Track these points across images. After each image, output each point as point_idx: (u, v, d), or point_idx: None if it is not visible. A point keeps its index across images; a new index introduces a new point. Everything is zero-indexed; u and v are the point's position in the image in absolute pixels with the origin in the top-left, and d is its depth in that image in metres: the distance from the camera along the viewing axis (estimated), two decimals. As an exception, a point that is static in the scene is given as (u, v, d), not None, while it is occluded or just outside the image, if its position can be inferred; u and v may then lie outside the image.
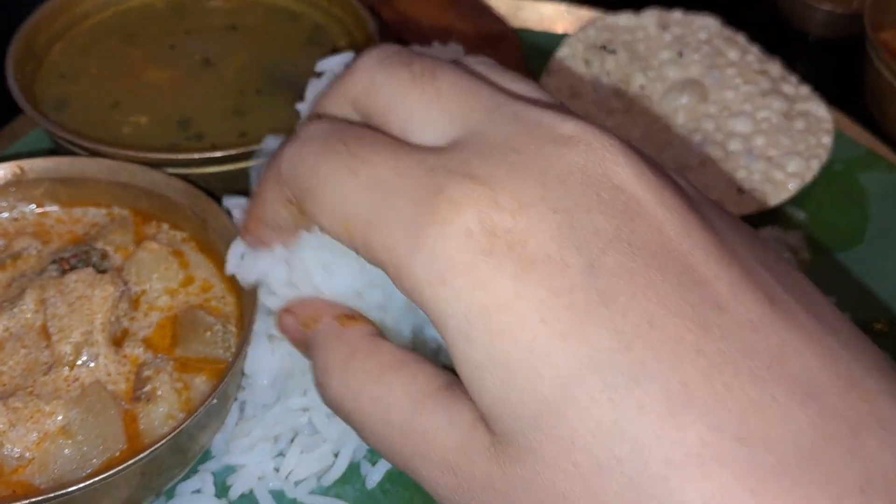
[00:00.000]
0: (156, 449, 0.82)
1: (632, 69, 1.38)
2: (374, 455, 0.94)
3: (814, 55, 1.60)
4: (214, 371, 0.94)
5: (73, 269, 0.98)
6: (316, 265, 0.79)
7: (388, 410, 0.61)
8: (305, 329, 0.78)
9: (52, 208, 1.08)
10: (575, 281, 0.50)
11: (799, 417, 0.46)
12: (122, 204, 1.08)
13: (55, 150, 1.15)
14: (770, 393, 0.46)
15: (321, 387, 0.70)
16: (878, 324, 1.11)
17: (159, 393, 0.90)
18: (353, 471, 0.94)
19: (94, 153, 1.07)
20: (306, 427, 0.94)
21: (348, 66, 0.70)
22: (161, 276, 1.01)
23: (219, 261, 1.03)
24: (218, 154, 1.06)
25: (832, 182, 1.31)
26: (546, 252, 0.51)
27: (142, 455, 0.81)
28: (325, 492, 0.93)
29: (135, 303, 0.99)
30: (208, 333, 0.96)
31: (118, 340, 0.95)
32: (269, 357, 0.91)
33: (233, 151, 1.06)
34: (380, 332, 0.73)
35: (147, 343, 0.96)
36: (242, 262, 0.88)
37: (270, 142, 0.96)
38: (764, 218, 1.24)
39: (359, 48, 1.10)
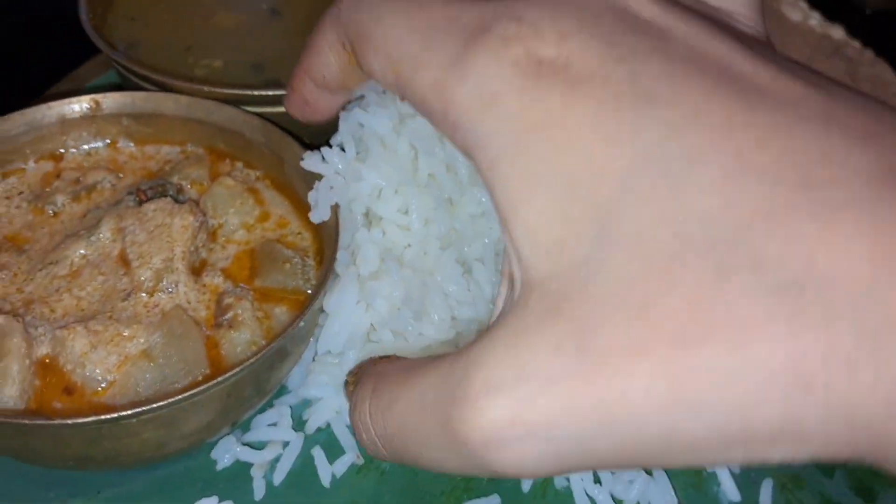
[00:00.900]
0: (243, 368, 0.81)
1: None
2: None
3: (872, 27, 1.59)
4: (295, 302, 0.94)
5: (149, 199, 0.98)
6: None
7: (422, 409, 0.56)
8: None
9: (126, 145, 1.07)
10: (620, 89, 0.51)
11: (861, 157, 0.45)
12: (196, 142, 1.07)
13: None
14: (828, 143, 0.46)
15: (353, 422, 0.65)
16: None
17: (241, 319, 0.90)
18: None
19: (167, 90, 1.07)
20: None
21: None
22: (237, 210, 1.00)
23: (294, 198, 1.03)
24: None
25: None
26: (590, 70, 0.52)
27: (229, 374, 0.80)
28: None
29: (212, 235, 0.99)
30: (287, 265, 0.95)
31: (197, 270, 0.95)
32: (352, 308, 0.91)
33: (308, 90, 1.05)
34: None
35: (226, 273, 0.95)
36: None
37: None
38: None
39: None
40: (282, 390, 0.95)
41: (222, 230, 1.00)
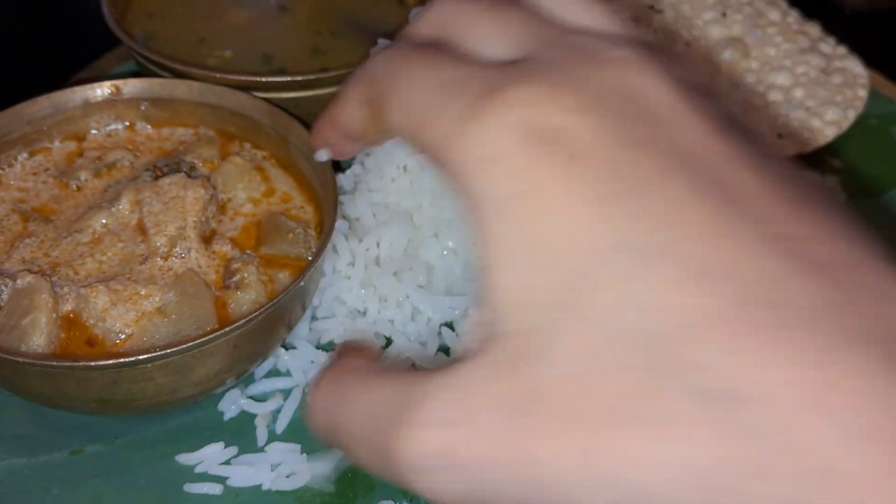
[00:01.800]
0: (248, 321, 0.90)
1: (677, 28, 1.45)
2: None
3: (850, 27, 1.67)
4: (297, 268, 1.02)
5: (165, 175, 1.07)
6: None
7: (370, 417, 0.59)
8: None
9: (144, 127, 1.17)
10: (615, 172, 0.53)
11: (813, 287, 0.49)
12: (208, 124, 1.16)
13: (143, 80, 1.23)
14: (788, 266, 0.49)
15: (309, 400, 0.69)
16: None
17: (247, 282, 0.98)
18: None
19: (182, 78, 1.16)
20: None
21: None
22: (245, 186, 1.09)
23: (298, 175, 1.12)
24: (299, 78, 1.15)
25: (867, 135, 1.38)
26: (589, 146, 0.54)
27: (235, 325, 0.89)
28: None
29: (221, 208, 1.08)
30: (291, 235, 1.04)
31: (207, 239, 1.04)
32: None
33: (311, 76, 1.15)
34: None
35: (234, 242, 1.04)
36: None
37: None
38: (801, 164, 1.31)
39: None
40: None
41: (231, 204, 1.08)
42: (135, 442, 0.98)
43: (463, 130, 0.59)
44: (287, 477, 0.95)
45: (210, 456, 0.96)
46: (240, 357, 0.95)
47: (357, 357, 0.68)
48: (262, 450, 0.98)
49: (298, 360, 1.02)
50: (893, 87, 1.43)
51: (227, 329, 0.89)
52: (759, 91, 1.37)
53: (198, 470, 0.96)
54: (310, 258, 1.03)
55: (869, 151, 1.36)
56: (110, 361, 0.85)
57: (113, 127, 1.16)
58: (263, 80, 1.15)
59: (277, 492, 0.94)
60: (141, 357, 0.86)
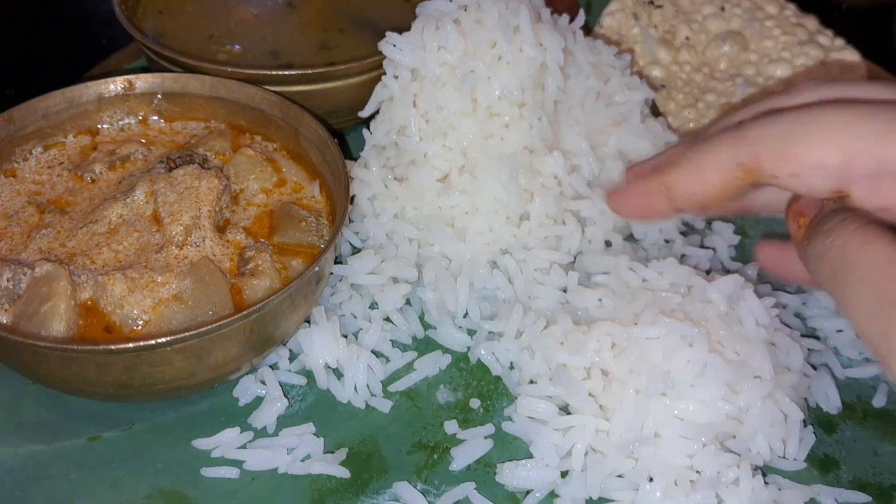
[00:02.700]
0: (265, 305, 0.91)
1: (677, 22, 1.48)
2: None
3: (846, 21, 1.69)
4: (309, 255, 1.04)
5: (178, 166, 1.09)
6: None
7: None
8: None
9: (156, 121, 1.19)
10: None
11: None
12: (219, 118, 1.18)
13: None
14: None
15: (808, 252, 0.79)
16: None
17: (261, 269, 1.00)
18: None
19: (193, 72, 1.18)
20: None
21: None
22: (257, 177, 1.11)
23: (309, 166, 1.14)
24: (308, 72, 1.17)
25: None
26: None
27: (252, 309, 0.91)
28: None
29: (234, 199, 1.09)
30: (303, 224, 1.06)
31: (221, 228, 1.06)
32: None
33: (321, 70, 1.17)
34: None
35: (247, 231, 1.06)
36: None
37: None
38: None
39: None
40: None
41: (243, 194, 1.10)
42: (151, 428, 1.00)
43: None
44: (302, 461, 0.97)
45: (226, 440, 0.98)
46: (256, 341, 0.97)
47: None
48: (277, 434, 0.99)
49: (315, 345, 1.03)
50: (889, 76, 1.45)
51: (244, 313, 0.90)
52: (759, 83, 1.39)
53: (214, 454, 0.97)
54: (322, 245, 1.05)
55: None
56: (131, 345, 0.87)
57: (126, 121, 1.18)
58: (273, 73, 1.17)
59: (293, 475, 0.96)
60: (161, 340, 0.87)
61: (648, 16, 1.50)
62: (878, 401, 1.04)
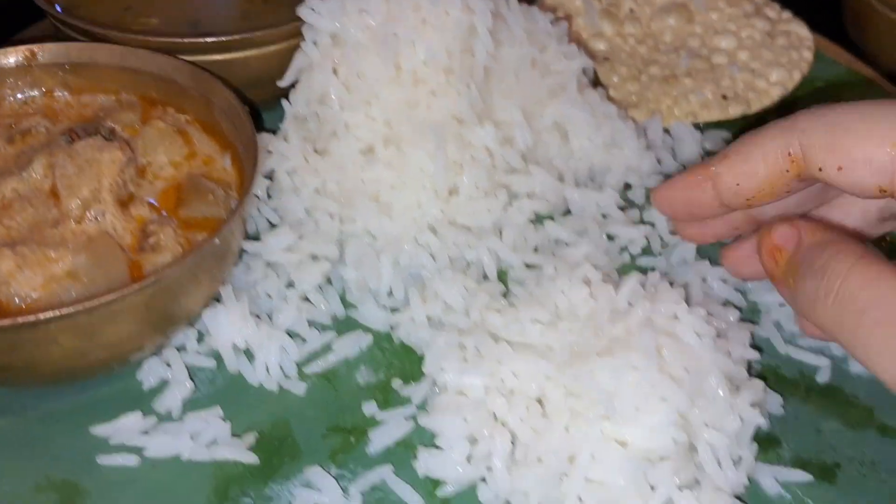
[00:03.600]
0: (159, 279, 0.85)
1: (621, -6, 1.43)
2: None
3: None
4: (217, 230, 0.97)
5: (82, 139, 1.02)
6: None
7: None
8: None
9: (62, 94, 1.12)
10: None
11: None
12: (129, 90, 1.12)
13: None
14: None
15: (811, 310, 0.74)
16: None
17: (163, 244, 0.94)
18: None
19: (104, 41, 1.11)
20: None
21: None
22: (166, 150, 1.05)
23: (221, 138, 1.07)
24: (223, 38, 1.11)
25: (814, 98, 1.35)
26: None
27: (144, 282, 0.84)
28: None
29: (141, 172, 1.03)
30: (210, 196, 1.00)
31: (125, 203, 0.99)
32: None
33: (236, 37, 1.11)
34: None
35: (152, 206, 0.99)
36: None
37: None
38: (750, 127, 1.28)
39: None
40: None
41: (151, 167, 1.04)
42: (46, 415, 0.93)
43: None
44: (207, 446, 0.90)
45: (126, 426, 0.91)
46: (155, 319, 0.90)
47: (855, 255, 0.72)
48: (181, 419, 0.92)
49: (222, 325, 0.97)
50: (839, 49, 1.41)
51: (134, 287, 0.84)
52: (703, 55, 1.34)
53: (113, 441, 0.90)
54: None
55: (816, 114, 1.33)
56: (7, 322, 0.80)
57: (29, 94, 1.11)
58: (188, 41, 1.11)
59: (197, 462, 0.89)
60: (42, 316, 0.81)
61: (592, -12, 1.44)
62: (822, 376, 0.99)
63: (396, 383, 0.97)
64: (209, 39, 1.11)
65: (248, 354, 0.98)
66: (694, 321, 0.90)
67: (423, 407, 0.94)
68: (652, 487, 0.82)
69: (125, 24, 1.20)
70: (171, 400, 0.93)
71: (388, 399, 0.95)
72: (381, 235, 1.07)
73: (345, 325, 1.02)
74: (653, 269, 1.07)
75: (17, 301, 0.89)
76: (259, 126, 1.03)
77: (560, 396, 0.87)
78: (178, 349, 0.97)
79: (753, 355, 0.95)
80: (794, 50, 1.34)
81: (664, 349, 0.87)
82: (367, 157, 1.09)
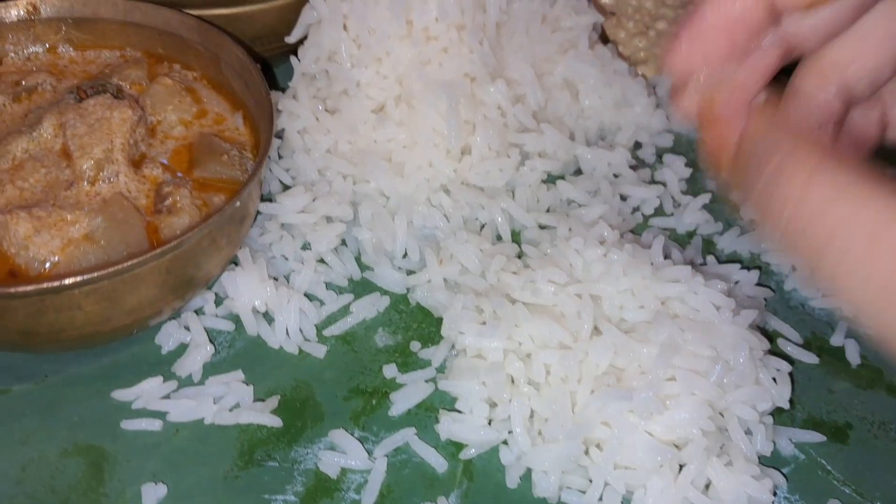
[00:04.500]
0: (180, 242, 0.84)
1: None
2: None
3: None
4: (233, 191, 0.96)
5: (90, 97, 1.00)
6: None
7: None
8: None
9: (66, 50, 1.09)
10: None
11: None
12: (134, 46, 1.09)
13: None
14: None
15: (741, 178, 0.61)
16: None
17: (180, 206, 0.92)
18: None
19: (105, -3, 1.09)
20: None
21: None
22: (175, 107, 1.03)
23: (230, 96, 1.05)
24: (229, -10, 1.08)
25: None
26: None
27: (166, 247, 0.83)
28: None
29: (151, 131, 1.01)
30: (225, 157, 0.98)
31: (136, 163, 0.97)
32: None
33: (242, -10, 1.09)
34: None
35: (165, 167, 0.98)
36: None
37: None
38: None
39: None
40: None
41: (161, 126, 1.02)
42: (67, 380, 0.92)
43: None
44: (230, 410, 0.90)
45: (148, 391, 0.91)
46: (175, 283, 0.89)
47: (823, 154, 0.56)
48: (203, 383, 0.92)
49: (241, 288, 0.96)
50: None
51: (157, 251, 0.83)
52: (710, 10, 1.34)
53: (135, 406, 0.90)
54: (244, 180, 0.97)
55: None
56: (32, 287, 0.79)
57: (32, 50, 1.08)
58: (190, -7, 1.08)
59: (220, 426, 0.89)
60: (66, 282, 0.80)
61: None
62: (836, 340, 1.00)
63: (415, 346, 0.97)
64: (216, -9, 1.09)
65: (268, 317, 0.97)
66: (711, 294, 0.90)
67: (442, 369, 0.94)
68: (681, 466, 0.84)
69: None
70: (192, 364, 0.93)
71: (408, 362, 0.96)
72: (394, 196, 1.06)
73: (361, 287, 1.02)
74: (665, 231, 1.08)
75: (36, 265, 0.87)
76: (271, 83, 1.01)
77: (575, 366, 0.87)
78: (197, 312, 0.97)
79: (773, 323, 0.96)
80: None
81: (686, 331, 0.87)
82: (378, 115, 1.08)
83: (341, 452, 0.88)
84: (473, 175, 1.07)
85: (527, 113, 1.11)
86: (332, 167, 1.07)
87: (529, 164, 1.10)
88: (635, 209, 1.11)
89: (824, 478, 0.89)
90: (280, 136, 1.10)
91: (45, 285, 0.79)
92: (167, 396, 0.91)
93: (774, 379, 0.90)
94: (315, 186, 1.07)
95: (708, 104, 0.66)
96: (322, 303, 1.00)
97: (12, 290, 0.79)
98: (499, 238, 1.06)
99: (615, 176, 1.13)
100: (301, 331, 0.97)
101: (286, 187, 1.08)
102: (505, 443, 0.89)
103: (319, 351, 0.96)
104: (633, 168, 1.14)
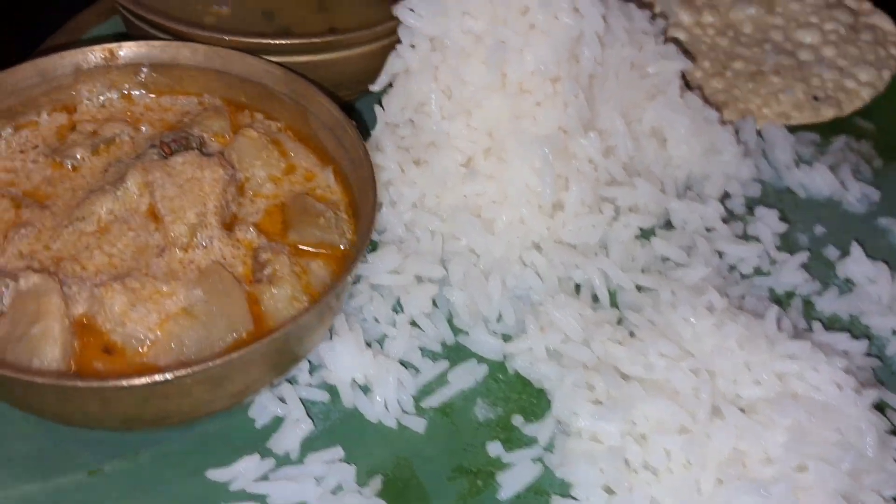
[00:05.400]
0: (297, 324, 0.80)
1: (697, -20, 1.37)
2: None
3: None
4: (330, 257, 0.92)
5: (174, 152, 0.95)
6: None
7: None
8: None
9: (141, 96, 1.04)
10: None
11: None
12: (213, 92, 1.04)
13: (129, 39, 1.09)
14: None
15: None
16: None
17: (280, 275, 0.88)
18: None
19: (181, 38, 1.03)
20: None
21: None
22: (264, 163, 0.98)
23: (319, 150, 1.01)
24: (316, 40, 1.03)
25: (898, 94, 1.31)
26: None
27: (283, 329, 0.79)
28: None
29: (240, 189, 0.96)
30: (321, 220, 0.94)
31: (228, 225, 0.93)
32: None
33: (329, 38, 1.05)
34: None
35: (258, 228, 0.93)
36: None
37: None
38: (833, 127, 1.25)
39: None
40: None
41: (249, 184, 0.97)
42: (159, 456, 0.88)
43: None
44: (334, 493, 0.86)
45: (245, 471, 0.86)
46: (281, 362, 0.85)
47: None
48: (302, 461, 0.88)
49: (340, 359, 0.92)
50: (921, 44, 1.37)
51: (275, 336, 0.79)
52: (788, 50, 1.30)
53: (233, 487, 0.86)
54: (342, 245, 0.93)
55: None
56: (143, 381, 0.75)
57: (107, 96, 1.03)
58: (275, 42, 1.03)
59: (324, 509, 0.85)
60: (180, 373, 0.75)
61: (667, -29, 1.38)
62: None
63: (517, 420, 0.93)
64: (299, 41, 1.04)
65: (363, 388, 0.93)
66: (833, 372, 0.87)
67: (549, 448, 0.91)
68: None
69: (195, 11, 1.12)
70: (290, 440, 0.89)
71: (511, 438, 0.92)
72: (485, 254, 1.02)
73: (456, 353, 0.98)
74: (764, 291, 1.05)
75: (133, 343, 0.83)
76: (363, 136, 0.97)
77: (697, 451, 0.84)
78: (290, 381, 0.92)
79: (887, 397, 0.93)
80: (881, 46, 1.30)
81: (811, 414, 0.84)
82: (467, 169, 1.03)
83: (452, 540, 0.84)
84: (567, 232, 1.04)
85: (617, 165, 1.07)
86: (419, 222, 1.03)
87: (623, 219, 1.06)
88: (732, 267, 1.07)
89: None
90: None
91: (158, 378, 0.75)
92: (265, 477, 0.87)
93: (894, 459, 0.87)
94: (404, 244, 1.03)
95: None
96: (418, 370, 0.96)
97: (124, 383, 0.74)
98: (595, 299, 1.02)
99: (707, 230, 1.10)
100: (399, 402, 0.93)
101: (372, 243, 1.03)
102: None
103: (419, 425, 0.92)
104: (725, 221, 1.10)
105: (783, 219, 1.12)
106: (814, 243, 1.12)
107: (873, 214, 1.16)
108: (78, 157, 0.96)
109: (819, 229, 1.13)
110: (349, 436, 0.91)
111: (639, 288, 1.03)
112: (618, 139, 1.08)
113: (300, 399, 0.91)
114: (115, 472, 0.86)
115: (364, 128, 1.10)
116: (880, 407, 0.94)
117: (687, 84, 1.23)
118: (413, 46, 1.03)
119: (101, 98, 1.03)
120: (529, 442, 0.91)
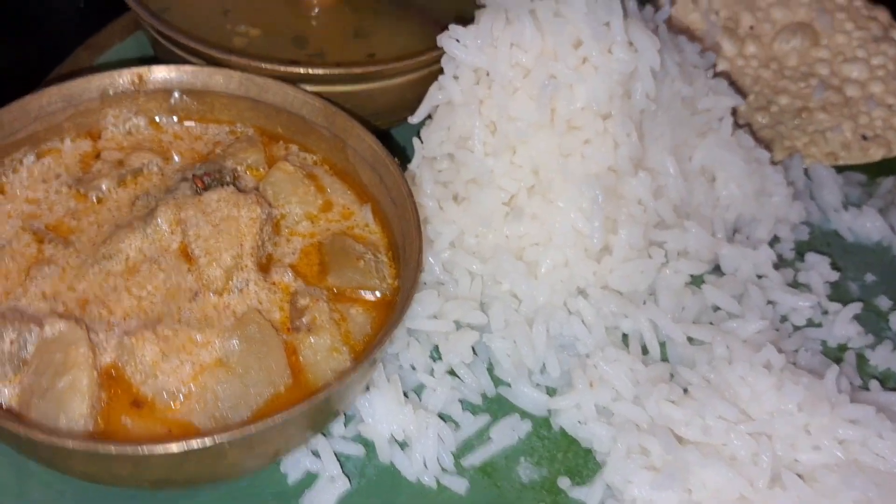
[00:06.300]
0: (343, 383, 0.75)
1: (739, 8, 1.32)
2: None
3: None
4: (368, 303, 0.87)
5: (207, 187, 0.90)
6: None
7: None
8: None
9: (170, 123, 0.98)
10: None
11: None
12: (246, 121, 0.99)
13: (156, 61, 1.03)
14: None
15: None
16: None
17: (319, 323, 0.83)
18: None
19: (212, 62, 0.98)
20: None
21: None
22: (300, 199, 0.93)
23: (357, 186, 0.96)
24: (357, 71, 0.98)
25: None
26: None
27: (329, 390, 0.74)
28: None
29: (275, 227, 0.91)
30: (361, 262, 0.88)
31: (264, 267, 0.87)
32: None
33: (371, 68, 0.99)
34: None
35: (295, 270, 0.88)
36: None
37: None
38: (883, 167, 1.20)
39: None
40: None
41: (285, 221, 0.92)
42: (185, 514, 0.83)
43: None
44: (375, 558, 0.81)
45: (279, 532, 0.82)
46: (320, 420, 0.80)
47: None
48: (337, 522, 0.83)
49: (378, 413, 0.87)
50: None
51: (319, 397, 0.74)
52: (835, 85, 1.25)
53: (266, 552, 0.81)
54: (383, 291, 0.88)
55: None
56: (179, 447, 0.69)
57: (133, 122, 0.97)
58: (312, 72, 0.97)
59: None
60: (218, 439, 0.70)
61: (708, 0, 1.33)
62: None
63: (564, 482, 0.88)
64: (338, 71, 0.98)
65: (401, 443, 0.88)
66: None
67: (600, 512, 0.86)
68: None
69: (224, 32, 1.06)
70: (325, 499, 0.84)
71: (559, 502, 0.87)
72: (528, 299, 0.97)
73: (497, 406, 0.93)
74: (817, 344, 1.00)
75: (164, 397, 0.78)
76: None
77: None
78: (324, 434, 0.87)
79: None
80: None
81: (878, 486, 0.80)
82: (510, 208, 0.98)
83: None
84: (614, 278, 0.98)
85: (668, 206, 1.02)
86: (458, 263, 0.98)
87: (672, 265, 1.01)
88: (784, 318, 1.02)
89: None
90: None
91: (196, 444, 0.69)
92: (301, 540, 0.82)
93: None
94: (442, 286, 0.97)
95: None
96: (458, 425, 0.91)
97: (160, 449, 0.69)
98: (644, 351, 0.97)
99: (759, 277, 1.05)
100: (438, 460, 0.88)
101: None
102: None
103: (460, 486, 0.87)
104: (776, 267, 1.06)
105: (833, 266, 1.08)
106: (864, 292, 1.07)
107: (925, 262, 1.12)
108: (103, 188, 0.91)
109: (870, 277, 1.09)
110: (387, 496, 0.86)
111: (690, 340, 0.98)
112: (668, 179, 1.03)
113: (334, 453, 0.86)
114: (140, 530, 0.81)
115: (401, 159, 1.05)
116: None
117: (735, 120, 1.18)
118: (456, 78, 0.98)
119: (127, 125, 0.97)
120: (576, 508, 0.87)
